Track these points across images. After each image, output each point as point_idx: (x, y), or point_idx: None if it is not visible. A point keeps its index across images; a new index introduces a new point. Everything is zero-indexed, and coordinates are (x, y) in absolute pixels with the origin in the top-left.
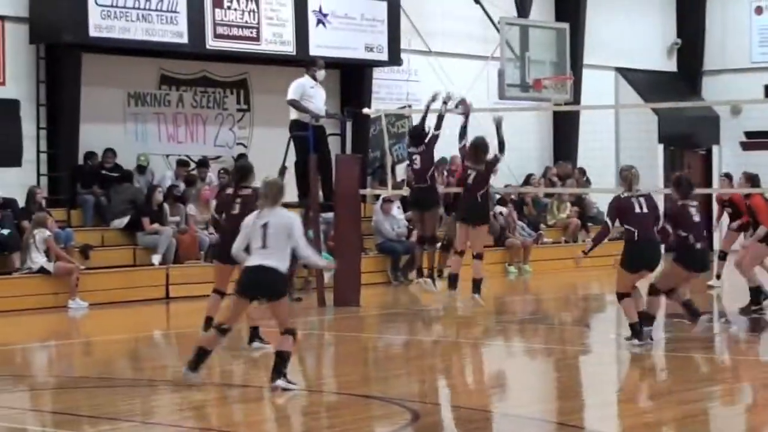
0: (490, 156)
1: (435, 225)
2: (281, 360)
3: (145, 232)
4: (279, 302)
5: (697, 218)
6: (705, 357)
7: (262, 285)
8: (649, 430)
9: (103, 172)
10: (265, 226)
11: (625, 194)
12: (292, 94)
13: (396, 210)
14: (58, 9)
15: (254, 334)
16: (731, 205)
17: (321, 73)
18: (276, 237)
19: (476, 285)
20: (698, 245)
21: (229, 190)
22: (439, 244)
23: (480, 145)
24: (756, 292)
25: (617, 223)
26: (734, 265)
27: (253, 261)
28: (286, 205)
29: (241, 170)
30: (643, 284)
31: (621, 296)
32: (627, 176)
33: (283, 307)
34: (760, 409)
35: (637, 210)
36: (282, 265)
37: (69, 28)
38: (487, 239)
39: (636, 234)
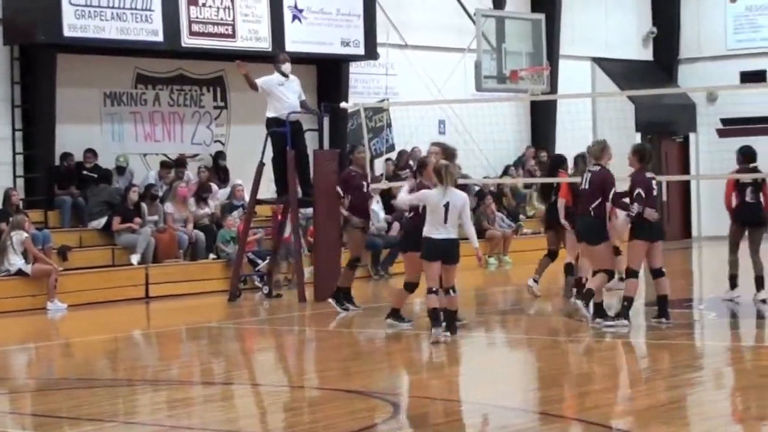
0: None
1: None
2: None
3: (118, 232)
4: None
5: (655, 192)
6: (686, 344)
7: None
8: (631, 417)
9: (84, 172)
10: (446, 205)
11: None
12: (260, 82)
13: (375, 205)
14: (31, 9)
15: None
16: None
17: (286, 66)
18: (453, 214)
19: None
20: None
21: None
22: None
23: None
24: None
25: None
26: None
27: (439, 234)
28: (264, 202)
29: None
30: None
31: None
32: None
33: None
34: (740, 395)
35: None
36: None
37: (43, 28)
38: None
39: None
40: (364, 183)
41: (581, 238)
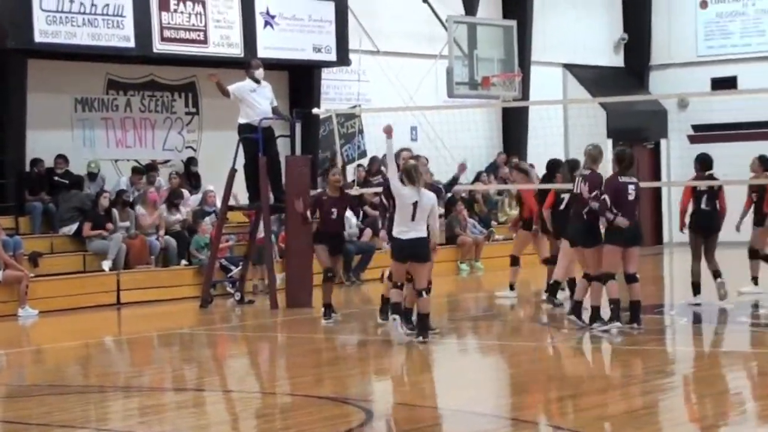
0: None
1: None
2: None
3: (90, 238)
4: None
5: (632, 197)
6: (658, 349)
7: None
8: (603, 423)
9: (55, 178)
10: (415, 204)
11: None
12: (231, 89)
13: (348, 211)
14: (1, 15)
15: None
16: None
17: (259, 72)
18: (422, 213)
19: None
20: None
21: None
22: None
23: None
24: None
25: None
26: None
27: (407, 234)
28: (236, 208)
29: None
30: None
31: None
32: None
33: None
34: (711, 400)
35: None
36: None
37: (13, 33)
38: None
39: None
40: (334, 210)
41: (574, 241)
